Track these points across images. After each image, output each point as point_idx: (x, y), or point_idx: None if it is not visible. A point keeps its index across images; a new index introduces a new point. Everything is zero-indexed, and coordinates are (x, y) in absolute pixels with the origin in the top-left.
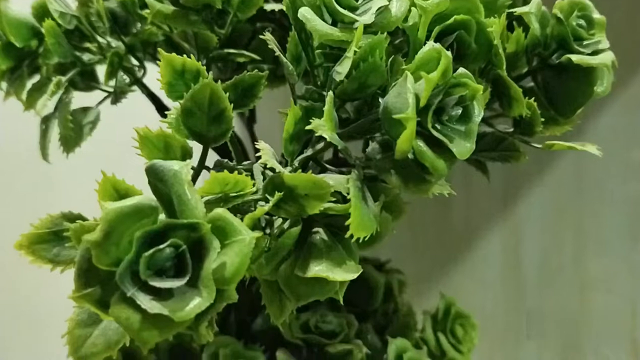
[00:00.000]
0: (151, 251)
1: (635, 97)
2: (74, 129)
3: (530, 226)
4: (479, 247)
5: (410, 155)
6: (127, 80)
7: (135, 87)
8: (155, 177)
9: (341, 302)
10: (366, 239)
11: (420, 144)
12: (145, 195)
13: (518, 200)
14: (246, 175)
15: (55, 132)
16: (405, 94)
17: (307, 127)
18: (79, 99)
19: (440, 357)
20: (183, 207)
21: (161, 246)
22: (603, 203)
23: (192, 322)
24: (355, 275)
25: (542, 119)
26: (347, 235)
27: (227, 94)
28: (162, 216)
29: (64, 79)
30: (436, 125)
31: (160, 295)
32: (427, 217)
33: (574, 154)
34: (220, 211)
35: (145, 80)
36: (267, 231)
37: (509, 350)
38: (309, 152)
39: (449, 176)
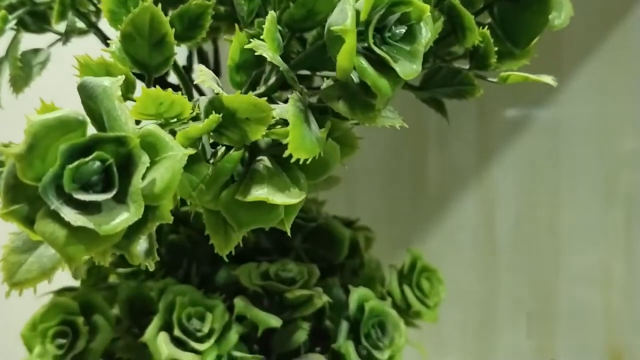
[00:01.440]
0: (76, 163)
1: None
2: (23, 69)
3: (505, 190)
4: (453, 211)
5: (355, 79)
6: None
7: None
8: (86, 95)
9: (288, 232)
10: (308, 162)
11: (362, 61)
12: (73, 109)
13: (492, 164)
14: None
15: (6, 75)
16: (346, 9)
17: (247, 46)
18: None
19: (405, 310)
20: (112, 122)
21: (86, 159)
22: (577, 166)
23: (121, 239)
24: (297, 200)
25: (498, 52)
26: (286, 154)
27: (174, 27)
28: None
29: (11, 16)
30: (378, 42)
31: (87, 209)
32: (401, 181)
33: (548, 117)
34: (151, 127)
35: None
36: (212, 161)
37: (481, 313)
38: (261, 89)
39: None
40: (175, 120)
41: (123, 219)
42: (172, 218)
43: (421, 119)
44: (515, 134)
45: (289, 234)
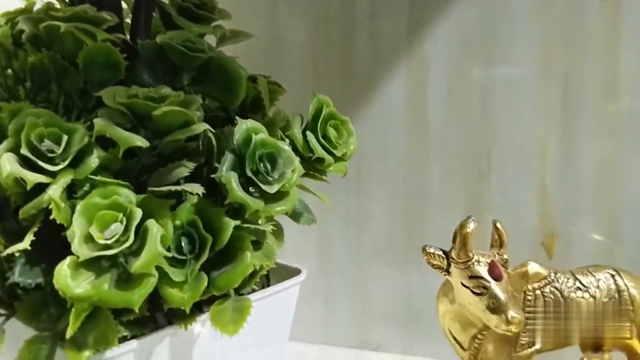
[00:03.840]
0: None
1: None
2: None
3: (436, 62)
4: (383, 85)
5: None
6: None
7: None
8: None
9: None
10: None
11: None
12: None
13: (423, 35)
14: None
15: None
16: None
17: None
18: None
19: (309, 158)
20: None
21: None
22: (513, 41)
23: None
24: None
25: None
26: None
27: None
28: None
29: None
30: None
31: None
32: (330, 59)
33: None
34: None
35: None
36: None
37: (413, 187)
38: None
39: None
40: None
41: None
42: None
43: None
44: (448, 4)
45: None
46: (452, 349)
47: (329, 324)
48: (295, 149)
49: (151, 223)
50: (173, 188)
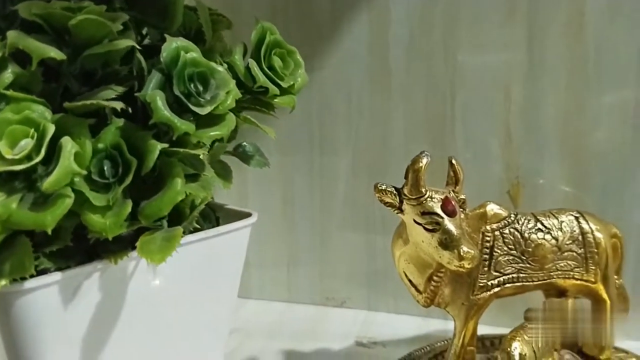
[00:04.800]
0: None
1: None
2: None
3: (398, 8)
4: (344, 34)
5: None
6: None
7: None
8: None
9: None
10: None
11: None
12: None
13: None
14: None
15: None
16: None
17: None
18: None
19: (250, 85)
20: None
21: None
22: None
23: None
24: None
25: None
26: None
27: None
28: None
29: None
30: None
31: None
32: (289, 7)
33: None
34: None
35: None
36: None
37: (376, 137)
38: None
39: None
40: None
41: None
42: None
43: None
44: None
45: None
46: (408, 292)
47: (293, 282)
48: (237, 79)
49: (66, 140)
50: (88, 102)
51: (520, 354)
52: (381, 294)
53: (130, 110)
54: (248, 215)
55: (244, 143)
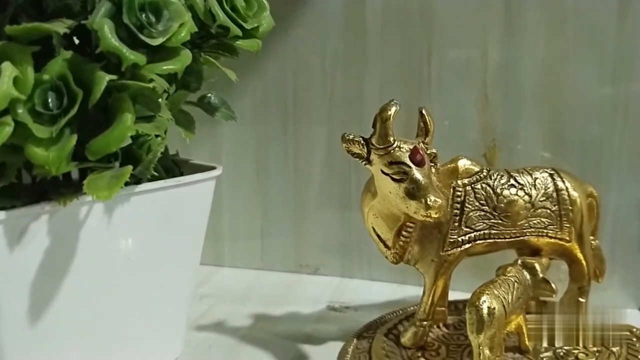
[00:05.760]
0: None
1: None
2: None
3: None
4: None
5: None
6: None
7: None
8: None
9: None
10: None
11: None
12: None
13: None
14: None
15: None
16: None
17: None
18: None
19: (209, 25)
20: None
21: None
22: None
23: None
24: None
25: None
26: None
27: None
28: None
29: None
30: None
31: None
32: None
33: None
34: None
35: None
36: None
37: (351, 96)
38: None
39: None
40: None
41: None
42: None
43: None
44: None
45: None
46: (377, 247)
47: (266, 251)
48: (197, 19)
49: (5, 65)
50: (30, 25)
51: (489, 308)
52: (356, 262)
53: (80, 43)
54: (213, 168)
55: (209, 94)
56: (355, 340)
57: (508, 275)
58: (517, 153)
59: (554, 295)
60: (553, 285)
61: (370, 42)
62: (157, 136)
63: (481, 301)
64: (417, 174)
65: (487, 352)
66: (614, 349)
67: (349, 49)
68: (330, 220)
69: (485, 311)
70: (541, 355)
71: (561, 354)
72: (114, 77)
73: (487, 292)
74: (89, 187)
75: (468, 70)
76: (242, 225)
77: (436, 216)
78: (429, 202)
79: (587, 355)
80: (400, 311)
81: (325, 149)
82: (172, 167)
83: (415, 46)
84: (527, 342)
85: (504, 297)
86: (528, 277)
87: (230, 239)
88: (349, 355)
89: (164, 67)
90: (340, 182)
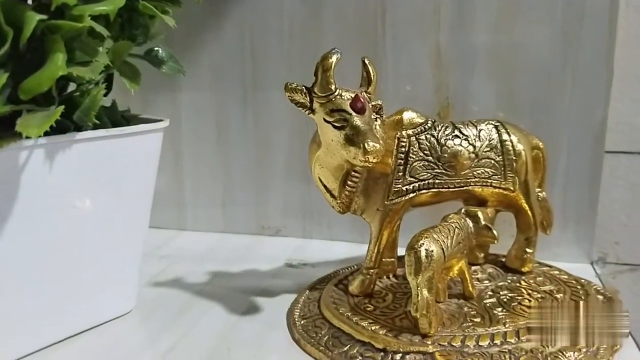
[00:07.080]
0: None
1: None
2: None
3: None
4: None
5: None
6: None
7: None
8: None
9: None
10: None
11: None
12: None
13: None
14: None
15: None
16: None
17: None
18: None
19: None
20: None
21: None
22: None
23: None
24: None
25: None
26: None
27: None
28: None
29: None
30: None
31: None
32: None
33: None
34: None
35: None
36: None
37: (307, 59)
38: None
39: None
40: None
41: None
42: None
43: None
44: None
45: None
46: (323, 198)
47: (228, 215)
48: None
49: None
50: None
51: (426, 250)
52: (316, 223)
53: None
54: (160, 121)
55: (157, 47)
56: (307, 292)
57: (449, 221)
58: (472, 113)
59: (496, 242)
60: (495, 232)
61: (326, 2)
62: (97, 84)
63: (419, 244)
64: (357, 120)
65: (425, 292)
66: (558, 295)
67: (306, 7)
68: (292, 183)
69: (423, 253)
70: (485, 302)
71: (505, 300)
72: (44, 16)
73: (425, 235)
74: (20, 125)
75: (421, 27)
76: (204, 190)
77: (374, 161)
78: (367, 147)
79: (530, 301)
80: (355, 266)
81: (286, 113)
82: (122, 122)
83: (370, 3)
84: (470, 289)
85: (443, 241)
86: (471, 224)
87: (193, 205)
88: (300, 305)
89: (96, 9)
90: (301, 145)
